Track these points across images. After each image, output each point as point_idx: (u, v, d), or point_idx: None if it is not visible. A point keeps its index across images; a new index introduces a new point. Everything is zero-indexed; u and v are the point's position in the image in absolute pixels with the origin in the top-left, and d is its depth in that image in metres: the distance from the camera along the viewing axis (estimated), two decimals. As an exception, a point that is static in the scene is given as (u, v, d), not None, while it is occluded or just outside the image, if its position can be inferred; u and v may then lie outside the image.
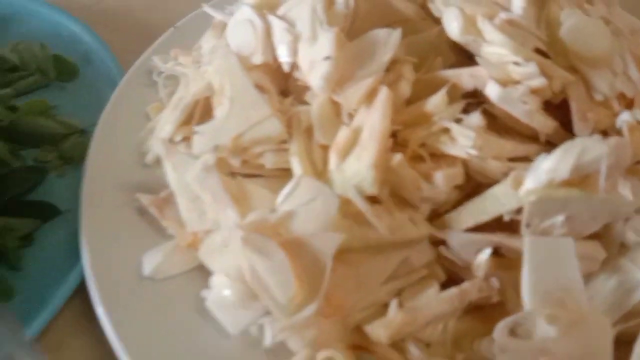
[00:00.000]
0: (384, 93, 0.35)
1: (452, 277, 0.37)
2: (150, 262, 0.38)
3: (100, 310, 0.36)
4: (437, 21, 0.41)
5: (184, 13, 0.55)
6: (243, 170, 0.39)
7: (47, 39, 0.56)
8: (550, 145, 0.37)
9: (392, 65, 0.38)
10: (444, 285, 0.36)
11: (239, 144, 0.37)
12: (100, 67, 0.54)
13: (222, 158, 0.38)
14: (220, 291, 0.36)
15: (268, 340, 0.35)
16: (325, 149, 0.37)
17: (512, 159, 0.36)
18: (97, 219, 0.40)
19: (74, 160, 0.47)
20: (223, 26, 0.45)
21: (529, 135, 0.38)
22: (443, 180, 0.34)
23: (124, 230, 0.40)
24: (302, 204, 0.35)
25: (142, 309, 0.37)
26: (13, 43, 0.56)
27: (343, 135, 0.36)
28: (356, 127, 0.35)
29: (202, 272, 0.38)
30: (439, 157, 0.35)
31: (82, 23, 0.57)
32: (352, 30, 0.40)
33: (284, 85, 0.41)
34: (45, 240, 0.44)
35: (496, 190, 0.34)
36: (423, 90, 0.38)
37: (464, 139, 0.34)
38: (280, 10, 0.41)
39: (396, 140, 0.36)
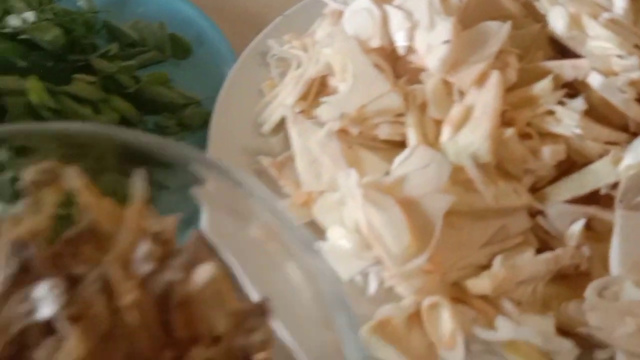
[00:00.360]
0: (496, 76, 0.40)
1: (543, 246, 0.41)
2: None
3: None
4: (537, 19, 0.46)
5: (284, 2, 0.60)
6: (357, 140, 0.44)
7: (162, 20, 0.62)
8: (636, 136, 0.41)
9: (499, 55, 0.43)
10: (536, 253, 0.41)
11: (362, 114, 0.42)
12: (212, 48, 0.60)
13: (341, 129, 0.43)
14: (336, 241, 0.41)
15: (372, 288, 0.40)
16: (437, 123, 0.41)
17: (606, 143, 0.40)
18: None
19: (192, 127, 0.53)
20: (338, 14, 0.50)
21: (618, 125, 0.42)
22: (550, 154, 0.39)
23: None
24: (415, 169, 0.40)
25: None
26: (133, 21, 0.61)
27: (456, 111, 0.40)
28: (468, 105, 0.40)
29: (313, 228, 0.43)
30: (542, 136, 0.40)
31: (195, 7, 0.63)
32: (461, 22, 0.44)
33: (394, 67, 0.46)
34: (167, 196, 0.49)
35: (596, 166, 0.38)
36: (525, 79, 0.42)
37: (569, 120, 0.39)
38: (396, 2, 0.46)
39: (503, 119, 0.40)
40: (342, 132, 0.44)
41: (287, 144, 0.47)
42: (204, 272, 0.22)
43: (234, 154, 0.47)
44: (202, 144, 0.49)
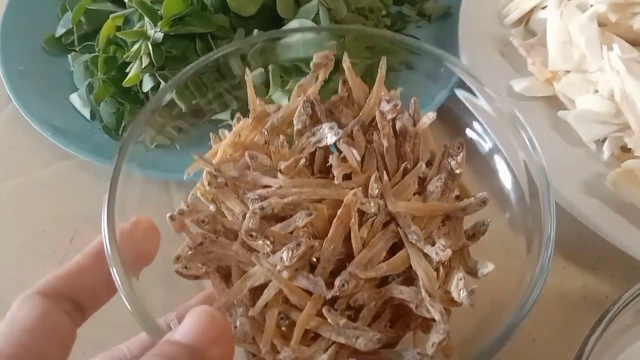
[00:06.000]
0: None
1: None
2: (519, 85, 0.53)
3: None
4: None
5: None
6: (612, 28, 0.52)
7: None
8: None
9: None
10: None
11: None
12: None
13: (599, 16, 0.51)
14: (585, 108, 0.50)
15: (606, 154, 0.49)
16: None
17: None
18: (470, 56, 0.55)
19: (431, 18, 0.65)
20: None
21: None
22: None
23: (491, 64, 0.56)
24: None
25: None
26: None
27: None
28: None
29: (552, 102, 0.53)
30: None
31: None
32: None
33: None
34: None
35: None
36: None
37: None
38: None
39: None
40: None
41: (526, 35, 0.57)
42: (426, 120, 0.36)
43: (480, 38, 0.57)
44: (438, 32, 0.63)
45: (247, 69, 0.37)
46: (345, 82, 0.38)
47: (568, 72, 0.53)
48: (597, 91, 0.51)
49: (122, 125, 0.54)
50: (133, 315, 0.30)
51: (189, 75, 0.37)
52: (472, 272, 0.34)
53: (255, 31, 0.54)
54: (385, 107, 0.36)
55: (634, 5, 0.51)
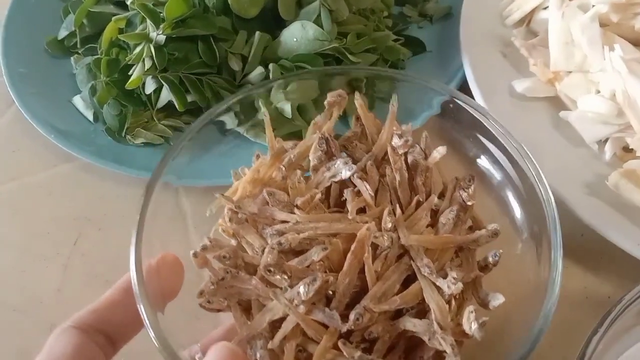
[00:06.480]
0: None
1: None
2: (520, 86, 0.54)
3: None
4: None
5: None
6: (613, 29, 0.52)
7: None
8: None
9: None
10: None
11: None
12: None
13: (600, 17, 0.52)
14: (586, 109, 0.51)
15: (608, 154, 0.51)
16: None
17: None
18: (472, 56, 0.56)
19: (432, 18, 0.66)
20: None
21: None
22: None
23: (493, 64, 0.56)
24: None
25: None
26: None
27: None
28: None
29: (555, 102, 0.54)
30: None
31: None
32: None
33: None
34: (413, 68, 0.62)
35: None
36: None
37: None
38: None
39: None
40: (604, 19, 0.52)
41: (528, 35, 0.58)
42: (436, 154, 0.38)
43: (481, 39, 0.58)
44: (440, 33, 0.64)
45: (264, 108, 0.39)
46: (358, 118, 0.40)
47: (570, 72, 0.53)
48: (599, 92, 0.52)
49: (125, 127, 0.55)
50: (159, 352, 0.32)
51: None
52: (483, 303, 0.36)
53: (257, 34, 0.54)
54: (397, 142, 0.38)
55: (635, 6, 0.52)
